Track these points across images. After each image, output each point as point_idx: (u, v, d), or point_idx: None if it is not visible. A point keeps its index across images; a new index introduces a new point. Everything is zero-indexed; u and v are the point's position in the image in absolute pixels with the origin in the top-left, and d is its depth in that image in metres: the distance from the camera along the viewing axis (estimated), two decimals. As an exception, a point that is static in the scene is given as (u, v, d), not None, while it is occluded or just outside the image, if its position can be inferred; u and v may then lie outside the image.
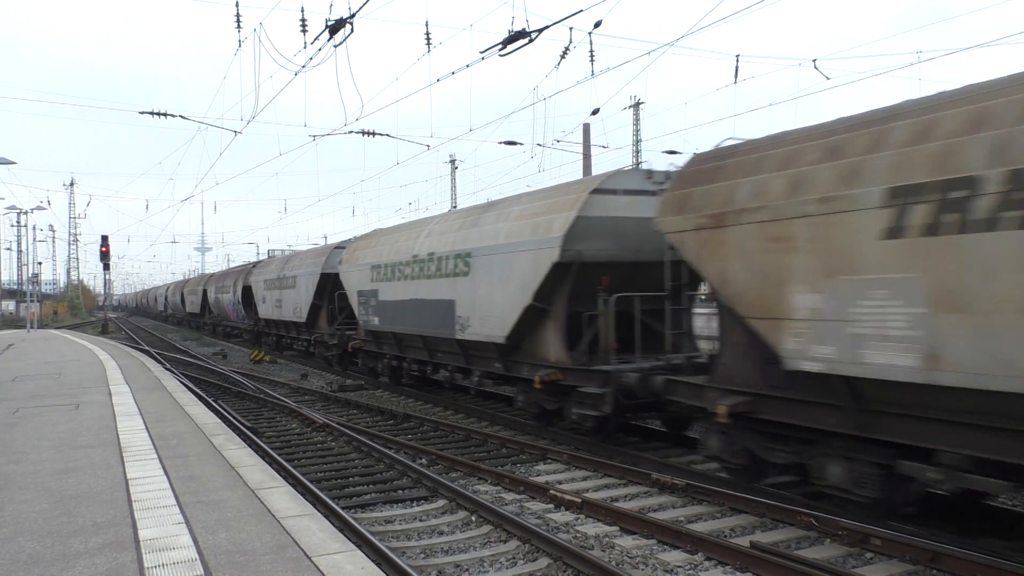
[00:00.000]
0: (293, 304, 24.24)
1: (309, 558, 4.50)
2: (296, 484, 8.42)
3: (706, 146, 8.84)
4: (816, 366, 6.69)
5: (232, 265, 54.31)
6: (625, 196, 10.83)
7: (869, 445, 6.68)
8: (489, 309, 12.10)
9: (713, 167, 8.09)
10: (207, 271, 71.39)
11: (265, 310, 28.07)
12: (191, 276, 71.31)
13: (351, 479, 9.38)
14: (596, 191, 10.68)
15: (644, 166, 12.80)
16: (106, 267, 43.78)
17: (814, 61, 17.05)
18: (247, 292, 31.34)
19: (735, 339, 7.89)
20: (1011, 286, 5.26)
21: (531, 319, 11.26)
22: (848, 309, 6.38)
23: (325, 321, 22.36)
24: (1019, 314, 5.23)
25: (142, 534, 5.01)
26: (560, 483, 8.91)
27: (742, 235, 7.36)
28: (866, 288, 6.24)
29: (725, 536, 6.97)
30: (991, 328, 5.41)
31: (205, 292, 42.61)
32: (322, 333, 22.41)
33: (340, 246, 21.89)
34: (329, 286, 21.63)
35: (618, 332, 10.40)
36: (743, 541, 6.66)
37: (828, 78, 17.66)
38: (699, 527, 7.16)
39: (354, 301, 18.28)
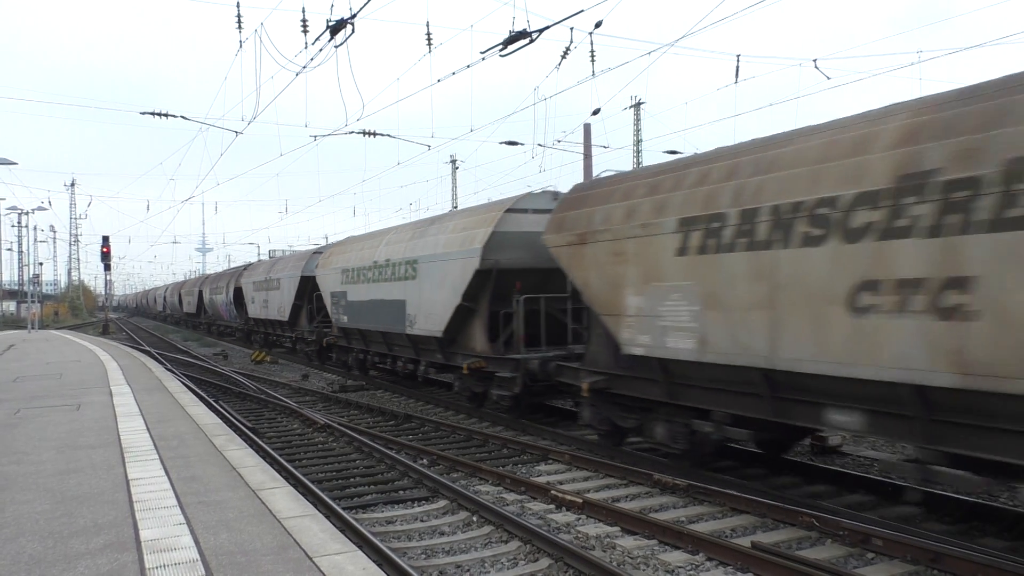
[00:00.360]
0: (278, 304, 26.23)
1: (310, 559, 4.51)
2: (297, 485, 8.43)
3: (706, 146, 9.65)
4: (640, 351, 8.86)
5: (233, 265, 54.88)
6: (534, 214, 12.90)
7: (678, 410, 8.80)
8: (431, 308, 14.26)
9: (581, 196, 10.24)
10: (208, 271, 71.58)
11: (254, 310, 30.07)
12: (192, 277, 71.56)
13: (352, 480, 9.38)
14: (509, 210, 12.87)
15: (551, 188, 14.61)
16: (107, 268, 43.84)
17: (815, 61, 17.05)
18: (238, 293, 33.07)
19: (596, 331, 9.94)
20: (743, 291, 7.44)
21: (462, 316, 13.42)
22: (657, 308, 8.53)
23: (305, 320, 24.47)
24: (747, 311, 7.41)
25: (143, 535, 5.02)
26: (561, 483, 8.91)
27: (596, 250, 9.49)
28: (667, 292, 8.38)
29: (726, 536, 6.97)
30: (733, 321, 7.57)
31: (201, 293, 44.52)
32: (302, 330, 24.50)
33: (318, 251, 23.93)
34: (308, 288, 23.42)
35: (530, 327, 12.43)
36: (744, 541, 6.66)
37: (829, 78, 17.67)
38: (700, 527, 7.16)
39: (328, 301, 20.30)
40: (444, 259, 13.87)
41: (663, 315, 8.43)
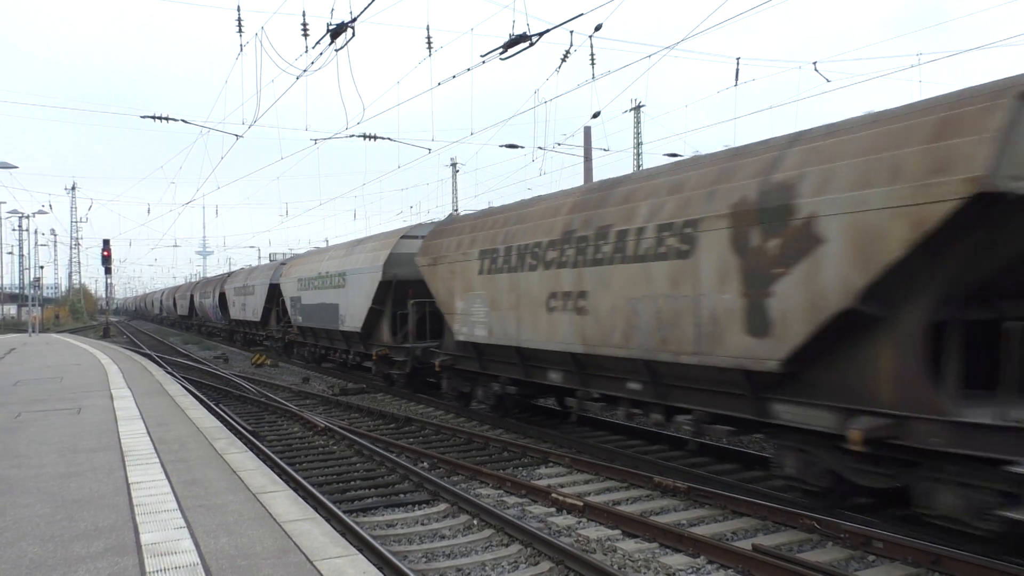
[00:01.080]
0: (253, 307, 30.63)
1: (311, 562, 4.50)
2: (298, 488, 8.43)
3: (707, 148, 10.15)
4: (463, 338, 12.85)
5: (233, 268, 56.02)
6: (421, 240, 15.87)
7: (487, 378, 12.93)
8: (354, 310, 18.63)
9: (437, 231, 14.53)
10: (208, 275, 72.21)
11: (235, 312, 34.60)
12: (191, 280, 72.26)
13: (353, 483, 9.37)
14: (404, 236, 17.16)
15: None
16: (107, 271, 43.90)
17: (814, 64, 17.07)
18: (223, 298, 37.53)
19: (445, 326, 13.79)
20: (506, 298, 11.43)
21: (374, 316, 17.82)
22: (470, 308, 12.56)
23: (273, 320, 28.80)
24: (508, 310, 11.37)
25: (144, 538, 5.01)
26: (562, 486, 8.91)
27: (442, 269, 13.57)
28: (474, 298, 12.42)
29: (727, 539, 6.97)
30: (503, 317, 11.54)
31: (192, 297, 49.62)
32: (272, 330, 29.09)
33: (283, 263, 28.57)
34: (276, 294, 27.46)
35: (421, 324, 15.98)
36: (745, 544, 6.66)
37: (828, 80, 17.68)
38: (701, 530, 7.16)
39: (288, 305, 24.93)
40: (360, 272, 18.24)
41: (473, 313, 12.51)
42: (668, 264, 8.23)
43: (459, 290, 12.84)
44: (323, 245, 43.10)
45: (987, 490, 5.75)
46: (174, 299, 60.38)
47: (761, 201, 7.12)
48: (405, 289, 16.71)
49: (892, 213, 5.90)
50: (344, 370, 22.02)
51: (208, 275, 69.38)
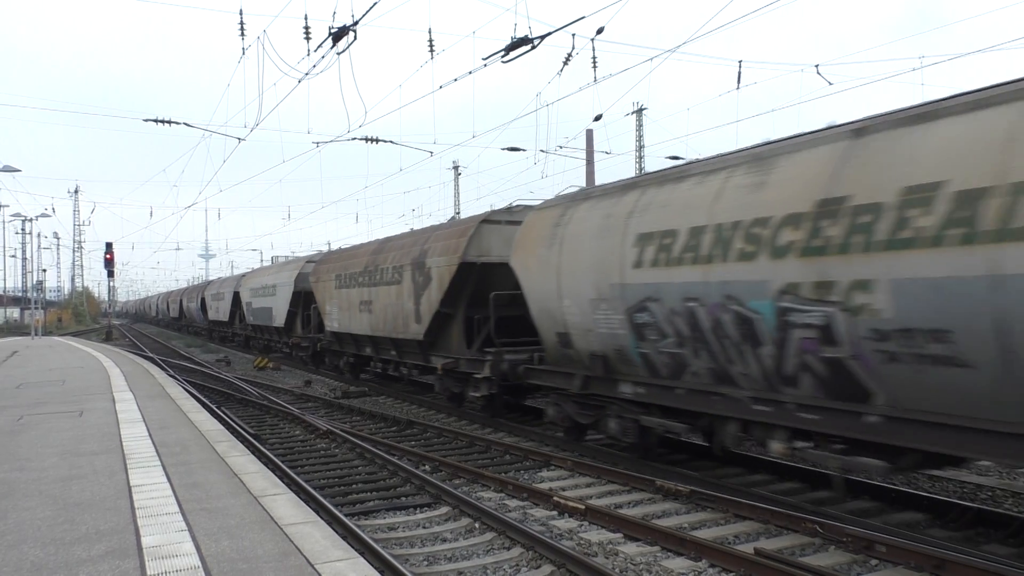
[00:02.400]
0: (224, 310, 38.40)
1: (312, 566, 4.50)
2: (299, 491, 8.42)
3: (708, 152, 9.79)
4: (335, 329, 19.67)
5: (236, 272, 57.46)
6: (315, 264, 22.75)
7: (360, 358, 19.46)
8: (281, 312, 26.69)
9: (325, 258, 22.07)
10: (210, 278, 73.11)
11: (212, 314, 42.56)
12: (194, 283, 73.41)
13: (354, 486, 9.36)
14: (308, 261, 25.30)
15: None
16: (110, 274, 44.06)
17: (816, 66, 17.06)
18: (203, 302, 45.52)
19: (319, 320, 20.84)
20: (344, 303, 18.93)
21: (292, 316, 25.72)
22: (331, 310, 19.80)
23: (237, 320, 36.57)
24: (345, 311, 18.81)
25: (145, 541, 5.01)
26: (563, 490, 8.89)
27: (320, 286, 20.85)
28: (333, 304, 19.70)
29: (729, 543, 6.95)
30: (344, 315, 18.97)
31: (181, 302, 57.97)
32: (236, 328, 37.16)
33: (243, 276, 36.75)
34: (238, 298, 34.79)
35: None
36: (747, 548, 6.64)
37: (831, 83, 17.69)
38: (703, 534, 7.14)
39: (245, 307, 32.93)
40: (277, 283, 27.81)
41: (332, 313, 19.79)
42: (395, 287, 15.84)
43: (327, 297, 20.23)
44: (325, 249, 46.49)
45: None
46: (167, 303, 70.43)
47: (419, 258, 14.90)
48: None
49: (446, 266, 13.69)
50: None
51: (211, 278, 70.86)
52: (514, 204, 14.10)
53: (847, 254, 6.40)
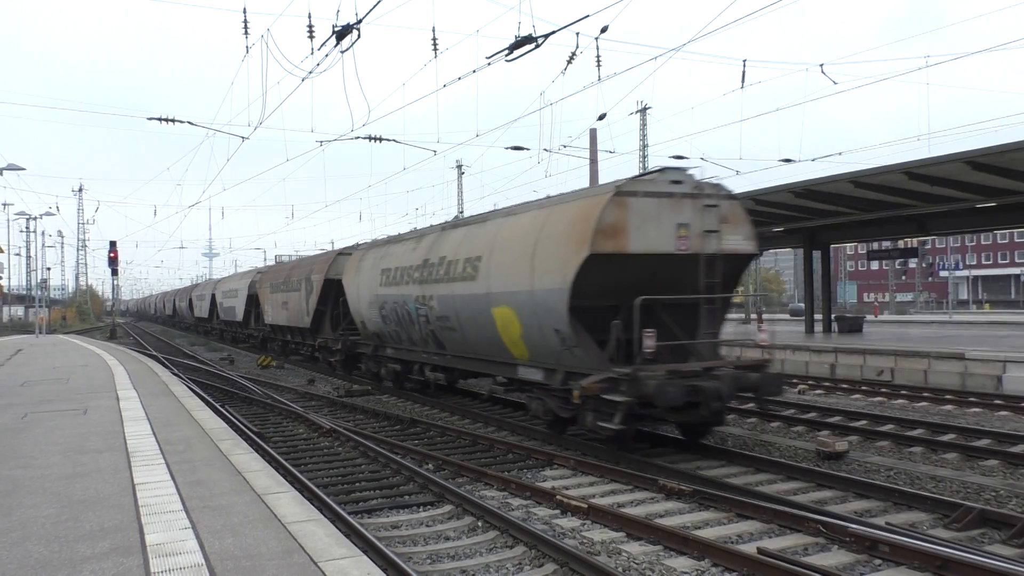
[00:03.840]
0: (205, 308, 46.20)
1: (315, 563, 4.50)
2: (303, 489, 8.42)
3: (713, 151, 9.48)
4: (270, 321, 28.93)
5: (240, 270, 59.40)
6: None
7: (284, 343, 29.22)
8: (240, 310, 34.78)
9: (265, 271, 31.51)
10: (214, 276, 74.03)
11: (197, 312, 50.40)
12: (198, 282, 73.92)
13: (357, 484, 9.37)
14: (258, 272, 33.06)
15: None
16: (114, 272, 44.22)
17: (821, 66, 17.03)
18: (190, 302, 53.83)
19: (262, 314, 30.62)
20: (275, 303, 27.97)
21: (247, 313, 33.90)
22: (273, 310, 28.10)
23: (215, 317, 43.51)
24: (276, 309, 27.55)
25: (149, 539, 5.02)
26: (567, 488, 8.89)
27: (261, 291, 30.11)
28: (276, 303, 27.61)
29: (732, 542, 6.94)
30: (273, 312, 28.37)
31: (175, 301, 66.45)
32: (214, 323, 44.45)
33: (218, 281, 46.23)
34: (214, 299, 42.88)
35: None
36: (750, 547, 6.63)
37: (835, 83, 17.64)
38: (706, 533, 7.14)
39: (219, 306, 41.13)
40: (237, 289, 37.18)
41: (269, 312, 28.75)
42: (297, 292, 23.80)
43: (264, 300, 29.02)
44: (329, 247, 50.60)
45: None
46: (163, 302, 79.65)
47: (308, 275, 23.46)
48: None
49: (317, 281, 22.60)
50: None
51: (204, 280, 72.64)
52: (349, 247, 22.71)
53: (429, 283, 14.16)
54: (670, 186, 10.42)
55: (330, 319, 22.10)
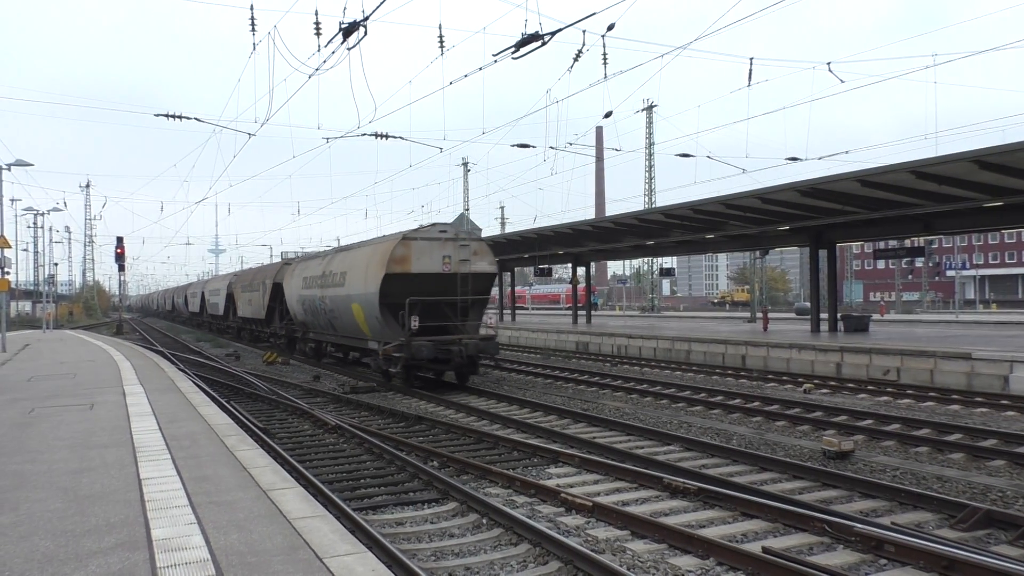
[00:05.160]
0: (197, 304, 53.97)
1: (320, 559, 4.51)
2: (308, 485, 8.44)
3: (719, 150, 9.47)
4: (241, 315, 37.29)
5: (245, 267, 61.98)
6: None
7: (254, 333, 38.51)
8: (221, 306, 42.93)
9: (239, 274, 42.48)
10: (220, 272, 75.46)
11: (191, 307, 57.25)
12: (205, 278, 75.09)
13: (362, 481, 9.39)
14: (234, 275, 43.65)
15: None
16: (121, 268, 44.27)
17: (828, 64, 16.97)
18: (185, 299, 61.17)
19: (238, 308, 40.06)
20: (245, 300, 36.97)
21: (227, 308, 41.76)
22: (244, 306, 36.37)
23: (205, 312, 51.00)
24: (246, 305, 36.30)
25: (155, 534, 5.04)
26: (571, 486, 8.89)
27: (235, 290, 38.72)
28: (245, 301, 36.21)
29: (737, 541, 6.93)
30: (247, 308, 36.43)
31: (173, 298, 73.56)
32: (204, 317, 51.69)
33: (206, 281, 54.21)
34: (203, 296, 51.02)
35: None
36: (755, 546, 6.62)
37: (843, 81, 17.58)
38: (711, 532, 7.13)
39: (207, 302, 48.16)
40: (208, 289, 50.40)
41: (241, 307, 36.91)
42: (257, 292, 32.36)
43: (238, 297, 36.09)
44: (335, 244, 55.41)
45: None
46: (164, 299, 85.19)
47: (264, 280, 32.08)
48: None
49: (270, 283, 30.51)
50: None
51: (220, 273, 73.78)
52: (289, 259, 29.90)
53: (326, 287, 21.68)
54: (439, 233, 18.14)
55: (278, 313, 30.16)
